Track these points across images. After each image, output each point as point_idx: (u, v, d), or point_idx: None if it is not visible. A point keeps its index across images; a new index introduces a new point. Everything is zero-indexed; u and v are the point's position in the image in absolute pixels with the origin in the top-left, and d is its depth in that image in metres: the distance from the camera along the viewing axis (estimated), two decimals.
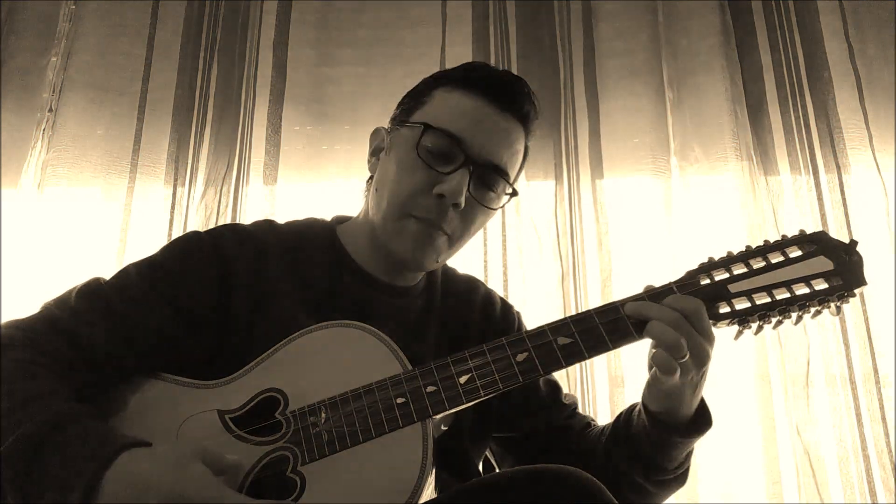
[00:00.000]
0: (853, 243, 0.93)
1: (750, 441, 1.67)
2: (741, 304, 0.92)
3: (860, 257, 0.92)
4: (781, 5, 2.00)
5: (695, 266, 0.96)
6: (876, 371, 1.68)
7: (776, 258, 0.94)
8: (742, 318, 0.91)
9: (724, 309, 0.92)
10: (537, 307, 1.78)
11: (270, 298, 0.99)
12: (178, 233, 1.80)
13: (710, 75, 1.93)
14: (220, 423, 0.87)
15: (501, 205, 1.09)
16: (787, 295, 0.91)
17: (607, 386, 1.72)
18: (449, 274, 1.20)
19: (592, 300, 1.78)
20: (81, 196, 1.88)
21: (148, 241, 1.78)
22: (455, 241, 1.04)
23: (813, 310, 0.92)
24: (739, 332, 0.93)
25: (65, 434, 0.74)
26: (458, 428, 0.98)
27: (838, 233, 1.77)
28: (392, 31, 2.07)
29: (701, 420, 0.96)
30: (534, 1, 2.04)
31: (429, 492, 0.81)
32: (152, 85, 1.96)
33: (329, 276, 1.05)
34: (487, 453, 1.18)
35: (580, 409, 1.19)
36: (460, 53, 1.95)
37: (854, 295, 0.91)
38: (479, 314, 1.15)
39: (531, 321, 1.17)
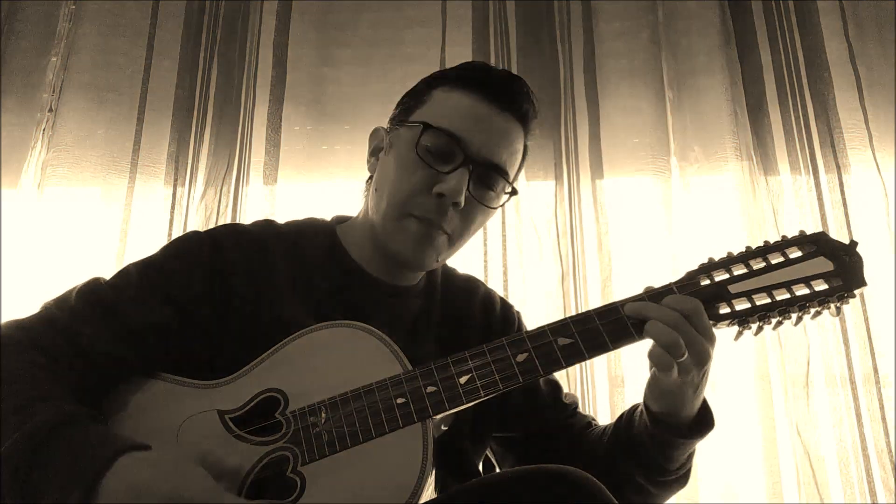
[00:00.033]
0: (853, 244, 0.93)
1: (750, 441, 1.67)
2: (741, 305, 0.92)
3: (860, 258, 0.92)
4: (781, 5, 2.00)
5: (695, 267, 0.96)
6: (876, 371, 1.68)
7: (776, 259, 0.94)
8: (742, 319, 0.91)
9: (724, 310, 0.92)
10: (537, 307, 1.78)
11: (270, 298, 0.99)
12: (178, 233, 1.80)
13: (710, 75, 1.93)
14: (220, 423, 0.87)
15: (501, 204, 1.09)
16: (787, 296, 0.91)
17: (607, 386, 1.72)
18: (449, 274, 1.20)
19: (592, 300, 1.78)
20: (81, 196, 1.88)
21: (148, 241, 1.78)
22: (455, 240, 1.04)
23: (813, 311, 0.92)
24: (739, 333, 0.93)
25: (65, 436, 0.74)
26: (458, 428, 0.98)
27: (838, 233, 1.77)
28: (392, 31, 2.07)
29: (703, 421, 0.96)
30: (534, 1, 2.04)
31: (429, 492, 0.81)
32: (152, 85, 1.96)
33: (329, 276, 1.05)
34: (487, 453, 1.18)
35: (580, 409, 1.19)
36: (460, 53, 1.95)
37: (854, 296, 0.91)
38: (479, 314, 1.15)
39: (531, 321, 1.17)
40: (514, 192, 1.08)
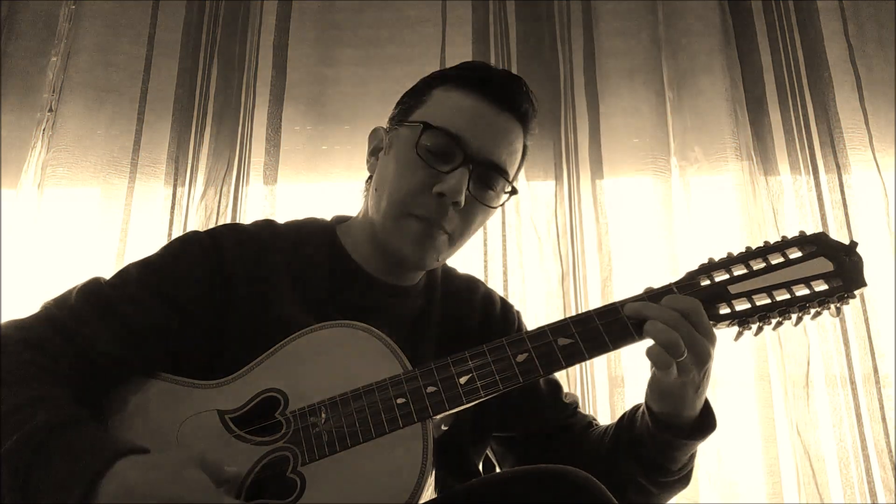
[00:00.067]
0: (853, 244, 0.93)
1: (750, 441, 1.67)
2: (741, 306, 0.92)
3: (860, 258, 0.92)
4: (781, 5, 2.00)
5: (695, 267, 0.96)
6: (876, 371, 1.68)
7: (776, 259, 0.94)
8: (742, 320, 0.91)
9: (724, 310, 0.91)
10: (537, 307, 1.78)
11: (270, 298, 0.99)
12: (178, 233, 1.80)
13: (710, 75, 1.93)
14: (220, 423, 0.87)
15: (501, 203, 1.09)
16: (787, 296, 0.91)
17: (607, 386, 1.72)
18: (449, 274, 1.20)
19: (592, 300, 1.78)
20: (81, 196, 1.87)
21: (148, 241, 1.78)
22: (455, 239, 1.04)
23: (813, 311, 0.91)
24: (739, 334, 0.93)
25: (64, 437, 0.74)
26: (458, 428, 0.98)
27: (838, 233, 1.77)
28: (392, 31, 2.07)
29: (705, 422, 0.96)
30: (534, 1, 2.04)
31: (429, 492, 0.81)
32: (152, 85, 1.96)
33: (329, 275, 1.05)
34: (487, 453, 1.18)
35: (581, 409, 1.19)
36: (460, 53, 1.95)
37: (854, 296, 0.91)
38: (479, 314, 1.15)
39: (531, 321, 1.17)
40: (513, 192, 1.08)
